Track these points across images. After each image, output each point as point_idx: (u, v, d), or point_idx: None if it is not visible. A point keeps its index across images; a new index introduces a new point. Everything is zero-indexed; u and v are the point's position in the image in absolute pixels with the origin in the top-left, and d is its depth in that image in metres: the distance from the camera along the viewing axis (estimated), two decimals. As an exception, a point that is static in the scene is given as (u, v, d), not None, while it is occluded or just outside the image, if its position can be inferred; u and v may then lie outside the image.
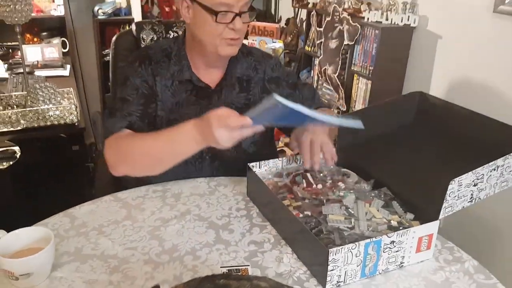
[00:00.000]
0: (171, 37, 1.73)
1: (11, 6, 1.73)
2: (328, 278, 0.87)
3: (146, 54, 1.34)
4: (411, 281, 0.91)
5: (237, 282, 0.70)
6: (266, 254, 0.98)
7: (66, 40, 3.30)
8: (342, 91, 2.57)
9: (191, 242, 1.02)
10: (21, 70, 2.63)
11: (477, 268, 0.96)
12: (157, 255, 0.97)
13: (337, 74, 2.59)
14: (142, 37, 1.71)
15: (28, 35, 3.28)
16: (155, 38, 1.72)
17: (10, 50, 3.13)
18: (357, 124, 0.97)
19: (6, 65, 2.76)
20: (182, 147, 1.08)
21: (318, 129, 1.19)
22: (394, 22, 2.29)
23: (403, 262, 0.95)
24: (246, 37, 3.51)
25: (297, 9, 3.48)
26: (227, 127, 0.97)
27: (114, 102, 1.30)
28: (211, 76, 1.35)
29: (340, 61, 2.56)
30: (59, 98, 1.92)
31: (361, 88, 2.45)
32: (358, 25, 2.38)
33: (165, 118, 1.31)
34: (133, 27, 1.72)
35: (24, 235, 0.91)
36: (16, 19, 1.78)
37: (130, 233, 1.05)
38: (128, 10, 3.59)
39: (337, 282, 0.88)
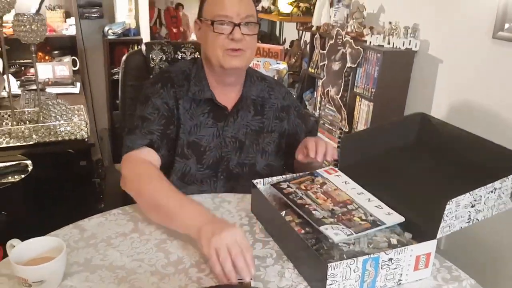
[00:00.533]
0: (179, 57, 1.79)
1: (27, 26, 1.80)
2: (327, 293, 0.89)
3: (169, 77, 1.38)
4: (409, 297, 0.93)
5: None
6: (268, 268, 1.01)
7: (76, 59, 3.38)
8: (345, 112, 2.61)
9: (196, 255, 1.04)
10: (33, 87, 2.70)
11: (474, 287, 0.98)
12: (163, 266, 1.00)
13: (339, 95, 2.64)
14: (151, 57, 1.76)
15: (40, 53, 3.37)
16: (164, 58, 1.76)
17: (22, 68, 3.21)
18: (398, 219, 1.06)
19: (18, 82, 2.82)
20: (180, 226, 1.07)
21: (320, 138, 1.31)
22: (396, 46, 2.35)
23: (401, 280, 0.97)
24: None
25: (301, 31, 3.56)
26: (236, 254, 0.92)
27: (134, 120, 1.33)
28: (227, 98, 1.39)
29: (342, 83, 2.61)
30: (70, 115, 1.97)
31: (363, 110, 2.49)
32: (360, 49, 2.44)
33: (186, 140, 1.35)
34: (143, 47, 1.77)
35: (37, 244, 0.94)
36: (32, 39, 1.84)
37: (138, 245, 1.08)
38: (137, 31, 3.68)
39: (336, 297, 0.90)
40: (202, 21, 1.32)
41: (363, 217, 1.08)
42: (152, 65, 1.74)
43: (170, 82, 1.36)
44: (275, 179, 1.25)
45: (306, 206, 1.11)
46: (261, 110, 1.44)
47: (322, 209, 1.11)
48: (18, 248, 0.92)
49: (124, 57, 1.79)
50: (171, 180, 1.31)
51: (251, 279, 0.92)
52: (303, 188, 1.21)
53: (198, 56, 1.72)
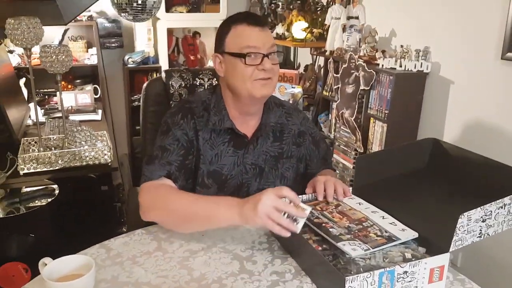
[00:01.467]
0: (197, 83, 1.84)
1: (54, 57, 1.90)
2: (346, 306, 0.92)
3: (190, 108, 1.40)
4: (425, 310, 0.96)
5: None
6: (288, 283, 1.04)
7: (98, 87, 3.48)
8: (359, 133, 2.65)
9: (218, 271, 1.09)
10: (57, 115, 2.80)
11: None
12: (187, 283, 1.04)
13: (354, 117, 2.69)
14: (171, 83, 1.82)
15: (63, 82, 3.48)
16: (183, 85, 1.82)
17: (46, 96, 3.33)
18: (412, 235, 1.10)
19: (42, 110, 2.93)
20: (221, 220, 1.16)
21: (330, 175, 1.38)
22: (408, 69, 2.39)
23: (417, 292, 1.00)
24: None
25: (315, 56, 3.64)
26: (275, 200, 1.07)
27: (153, 149, 1.37)
28: (247, 126, 1.41)
29: (356, 105, 2.66)
30: (94, 140, 2.05)
31: (377, 131, 2.53)
32: (373, 72, 2.49)
33: (207, 170, 1.38)
34: (163, 74, 1.83)
35: (67, 262, 1.00)
36: (58, 69, 1.93)
37: (161, 263, 1.12)
38: (156, 59, 3.79)
39: (354, 310, 0.93)
40: (224, 54, 1.34)
41: (379, 233, 1.12)
42: (171, 91, 1.80)
43: (190, 113, 1.38)
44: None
45: (323, 224, 1.15)
46: (280, 137, 1.46)
47: (339, 227, 1.14)
48: (50, 266, 0.98)
49: (145, 85, 1.85)
50: None
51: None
52: (319, 209, 1.24)
53: (216, 82, 1.79)
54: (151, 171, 1.31)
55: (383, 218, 1.18)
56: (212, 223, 1.18)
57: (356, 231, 1.13)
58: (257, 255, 1.16)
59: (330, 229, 1.12)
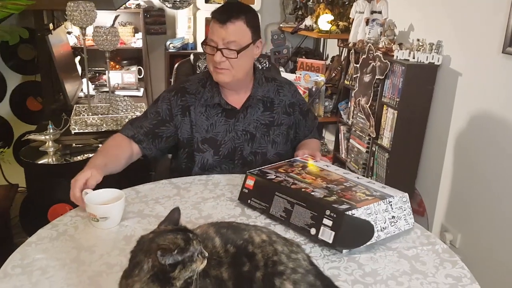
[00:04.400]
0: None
1: (104, 36, 2.16)
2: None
3: (183, 87, 1.62)
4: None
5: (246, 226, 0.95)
6: (277, 226, 1.22)
7: (141, 68, 3.74)
8: (373, 119, 2.79)
9: (222, 213, 1.28)
10: (105, 89, 3.08)
11: (445, 250, 1.13)
12: (196, 219, 1.25)
13: (369, 104, 2.82)
14: (198, 65, 2.00)
15: (112, 63, 3.76)
16: (208, 66, 2.01)
17: (97, 74, 3.62)
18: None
19: (93, 86, 3.22)
20: None
21: (314, 143, 1.71)
22: (420, 60, 2.50)
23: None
24: (294, 71, 3.82)
25: (341, 48, 3.76)
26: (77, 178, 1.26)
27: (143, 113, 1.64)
28: (236, 99, 1.62)
29: (372, 93, 2.79)
30: (133, 109, 2.30)
31: (389, 117, 2.66)
32: (388, 62, 2.62)
33: (201, 137, 1.59)
34: (191, 57, 2.02)
35: (103, 193, 1.23)
36: (107, 47, 2.19)
37: (178, 204, 1.33)
38: (194, 45, 4.01)
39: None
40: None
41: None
42: (198, 72, 1.99)
43: (182, 91, 1.60)
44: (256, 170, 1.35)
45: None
46: (270, 107, 1.65)
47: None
48: (90, 194, 1.21)
49: (176, 65, 2.04)
50: (193, 170, 1.60)
51: None
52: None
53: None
54: (125, 127, 1.60)
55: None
56: None
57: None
58: (257, 203, 1.35)
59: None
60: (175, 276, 0.72)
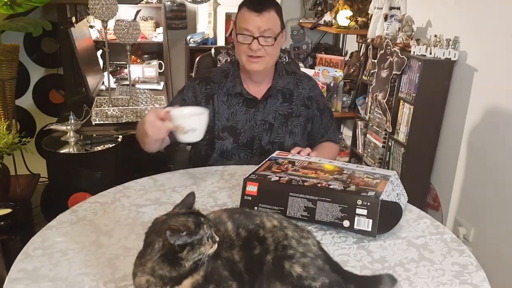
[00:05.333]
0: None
1: (125, 30, 2.21)
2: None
3: (208, 77, 1.67)
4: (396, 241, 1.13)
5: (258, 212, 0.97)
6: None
7: (162, 62, 3.77)
8: (389, 115, 2.78)
9: (237, 202, 1.30)
10: (125, 83, 3.14)
11: (453, 239, 1.14)
12: (212, 207, 1.28)
13: (386, 99, 2.81)
14: (218, 58, 2.05)
15: (133, 57, 3.81)
16: (228, 60, 2.05)
17: (118, 68, 3.68)
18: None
19: (114, 79, 3.28)
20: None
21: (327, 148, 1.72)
22: (437, 56, 2.49)
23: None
24: (313, 67, 3.82)
25: (360, 44, 3.74)
26: (154, 114, 1.28)
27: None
28: (258, 89, 1.66)
29: (389, 89, 2.78)
30: (153, 102, 2.34)
31: (405, 113, 2.65)
32: (405, 58, 2.60)
33: (222, 125, 1.63)
34: (212, 51, 2.07)
35: (186, 110, 1.34)
36: (128, 40, 2.24)
37: (195, 192, 1.36)
38: (214, 40, 4.04)
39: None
40: (234, 28, 1.60)
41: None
42: (218, 65, 2.03)
43: (206, 80, 1.65)
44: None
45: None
46: (289, 98, 1.68)
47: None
48: (176, 110, 1.30)
49: (197, 58, 2.09)
50: (212, 156, 1.63)
51: None
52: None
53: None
54: None
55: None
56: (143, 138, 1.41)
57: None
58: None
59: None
60: (183, 257, 0.74)
